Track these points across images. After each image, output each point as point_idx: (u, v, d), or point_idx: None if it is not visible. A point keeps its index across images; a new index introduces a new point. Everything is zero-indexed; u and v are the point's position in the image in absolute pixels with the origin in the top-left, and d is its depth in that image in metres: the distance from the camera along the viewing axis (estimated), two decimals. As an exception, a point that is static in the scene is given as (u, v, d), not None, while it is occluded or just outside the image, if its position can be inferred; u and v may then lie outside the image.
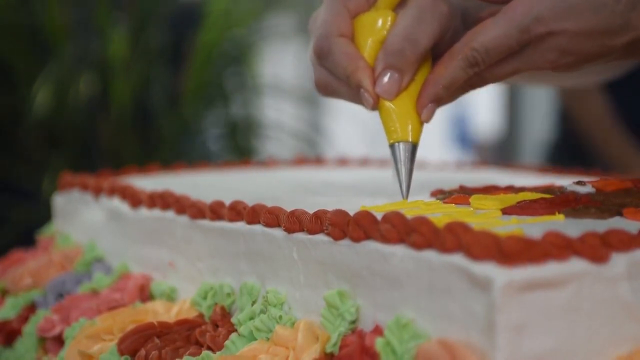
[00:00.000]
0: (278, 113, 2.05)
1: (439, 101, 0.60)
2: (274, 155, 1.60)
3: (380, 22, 0.61)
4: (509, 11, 0.55)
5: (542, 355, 0.40)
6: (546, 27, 0.54)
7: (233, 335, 0.54)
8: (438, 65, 0.59)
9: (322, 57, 0.61)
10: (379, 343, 0.44)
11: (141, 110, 1.82)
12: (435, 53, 0.60)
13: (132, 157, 1.71)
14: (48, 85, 1.72)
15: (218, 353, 0.53)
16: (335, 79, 0.62)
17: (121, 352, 0.57)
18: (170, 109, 1.87)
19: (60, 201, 0.87)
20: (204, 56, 1.83)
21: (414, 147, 0.60)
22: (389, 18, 0.60)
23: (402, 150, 0.60)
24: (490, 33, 0.55)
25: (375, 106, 0.60)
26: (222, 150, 2.02)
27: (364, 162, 1.04)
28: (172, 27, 1.91)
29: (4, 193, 1.67)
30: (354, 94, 0.61)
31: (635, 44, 0.55)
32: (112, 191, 0.75)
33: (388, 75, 0.59)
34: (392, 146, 0.60)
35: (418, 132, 0.60)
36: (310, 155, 1.68)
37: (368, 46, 0.60)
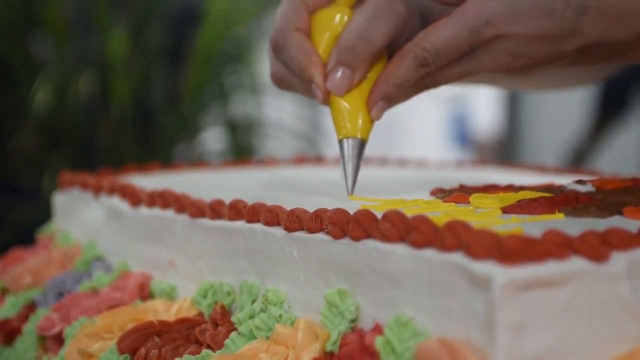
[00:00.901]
0: (278, 112, 2.05)
1: (390, 99, 0.60)
2: (273, 154, 1.60)
3: (337, 18, 0.61)
4: (461, 13, 0.55)
5: (542, 354, 0.40)
6: (496, 29, 0.54)
7: (233, 334, 0.54)
8: (389, 64, 0.59)
9: (277, 50, 0.62)
10: (378, 342, 0.44)
11: (141, 109, 1.82)
12: (392, 53, 0.61)
13: (132, 156, 1.71)
14: (48, 85, 1.72)
15: (218, 352, 0.53)
16: (290, 73, 0.62)
17: (121, 351, 0.57)
18: (170, 108, 1.87)
19: (60, 200, 0.87)
20: (203, 55, 1.83)
21: (362, 144, 0.61)
22: (346, 15, 0.61)
23: (349, 146, 0.61)
24: (441, 34, 0.56)
25: (325, 101, 0.61)
26: (221, 149, 2.02)
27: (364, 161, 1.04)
28: (172, 26, 1.91)
29: (4, 192, 1.67)
30: (307, 88, 0.61)
31: (586, 50, 0.56)
32: (112, 190, 0.75)
33: (340, 71, 0.60)
34: (340, 142, 0.61)
35: (367, 129, 0.61)
36: (310, 154, 1.68)
37: (324, 42, 0.61)
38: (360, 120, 0.61)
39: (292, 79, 0.63)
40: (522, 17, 0.54)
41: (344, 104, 0.61)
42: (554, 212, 0.52)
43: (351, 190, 0.61)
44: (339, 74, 0.60)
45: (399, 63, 0.58)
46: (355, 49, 0.59)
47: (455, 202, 0.58)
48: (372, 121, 0.61)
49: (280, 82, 0.65)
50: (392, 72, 0.59)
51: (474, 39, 0.55)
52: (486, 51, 0.56)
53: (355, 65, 0.60)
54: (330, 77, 0.60)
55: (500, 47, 0.55)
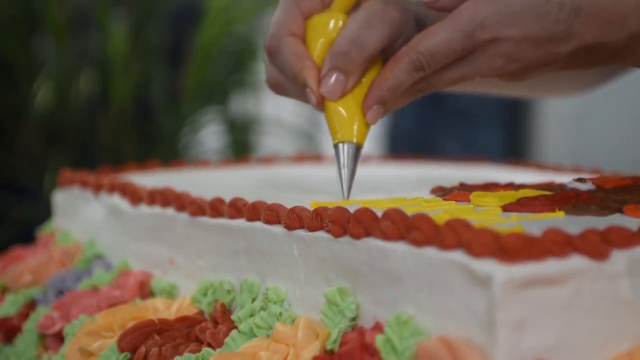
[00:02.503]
0: (278, 110, 2.05)
1: (384, 103, 0.60)
2: (274, 152, 1.60)
3: (332, 24, 0.61)
4: (455, 16, 0.55)
5: (542, 352, 0.40)
6: (491, 33, 0.55)
7: (233, 332, 0.54)
8: (384, 68, 0.59)
9: (272, 55, 0.62)
10: (379, 340, 0.44)
11: (141, 107, 1.82)
12: (387, 59, 0.60)
13: (132, 154, 1.71)
14: (48, 83, 1.72)
15: (218, 350, 0.53)
16: (284, 77, 0.63)
17: (121, 349, 0.57)
18: (170, 106, 1.87)
19: (60, 198, 0.87)
20: (203, 53, 1.83)
21: (357, 148, 0.61)
22: (341, 21, 0.61)
23: (345, 150, 0.61)
24: (435, 37, 0.56)
25: (319, 105, 0.61)
26: (222, 147, 2.02)
27: (363, 159, 1.04)
28: (172, 24, 1.91)
29: (4, 190, 1.67)
30: (302, 92, 0.61)
31: (580, 53, 0.56)
32: (112, 188, 0.75)
33: (333, 76, 0.60)
34: (335, 146, 0.61)
35: (363, 134, 0.61)
36: (310, 151, 1.68)
37: (318, 47, 0.61)
38: (355, 125, 0.61)
39: (287, 83, 0.63)
40: (515, 20, 0.54)
41: (338, 109, 0.61)
42: (554, 211, 0.52)
43: (347, 195, 0.61)
44: (333, 79, 0.60)
45: (394, 67, 0.58)
46: (348, 54, 0.59)
47: (456, 201, 0.58)
48: (367, 126, 0.61)
49: (276, 87, 0.65)
50: (387, 76, 0.59)
51: (468, 42, 0.55)
52: (481, 55, 0.56)
53: (349, 70, 0.60)
54: (323, 82, 0.60)
55: (494, 50, 0.55)
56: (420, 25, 0.61)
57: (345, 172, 0.61)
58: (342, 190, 0.61)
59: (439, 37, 0.56)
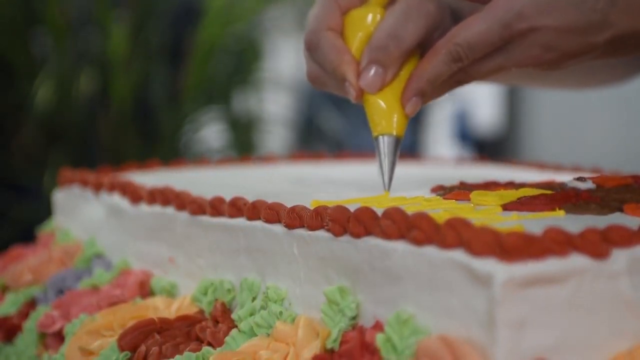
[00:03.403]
0: (279, 108, 2.05)
1: (423, 95, 0.61)
2: (274, 150, 1.60)
3: (369, 18, 0.62)
4: (492, 8, 0.56)
5: (543, 351, 0.40)
6: (528, 22, 0.55)
7: (233, 331, 0.54)
8: (423, 60, 0.60)
9: (311, 50, 0.63)
10: (379, 339, 0.44)
11: (141, 106, 1.82)
12: (424, 52, 0.61)
13: (132, 153, 1.71)
14: (48, 82, 1.72)
15: (218, 349, 0.53)
16: (324, 72, 0.63)
17: (121, 348, 0.57)
18: (171, 105, 1.87)
19: (60, 197, 0.87)
20: (204, 52, 1.83)
21: (397, 140, 0.62)
22: (378, 15, 0.62)
23: (385, 142, 0.62)
24: (473, 29, 0.56)
25: (358, 99, 0.62)
26: (222, 146, 2.02)
27: (363, 156, 1.04)
28: (172, 23, 1.91)
29: (4, 189, 1.67)
30: (341, 86, 0.62)
31: (616, 42, 0.56)
32: (112, 187, 0.75)
33: (372, 69, 0.61)
34: (376, 139, 0.62)
35: (402, 126, 0.62)
36: (311, 150, 1.68)
37: (356, 41, 0.62)
38: (394, 117, 0.61)
39: (326, 78, 0.64)
40: (552, 10, 0.55)
41: (377, 101, 0.62)
42: (554, 210, 0.52)
43: (388, 186, 0.62)
44: (372, 72, 0.61)
45: (432, 58, 0.59)
46: (387, 47, 0.60)
47: (456, 200, 0.58)
48: (406, 118, 0.62)
49: (316, 82, 0.66)
50: (426, 68, 0.59)
51: (505, 32, 0.55)
52: (518, 45, 0.56)
53: (387, 63, 0.60)
54: (363, 76, 0.61)
55: (531, 40, 0.56)
56: (456, 18, 0.62)
57: (386, 164, 0.62)
58: (383, 182, 0.62)
59: (476, 28, 0.56)
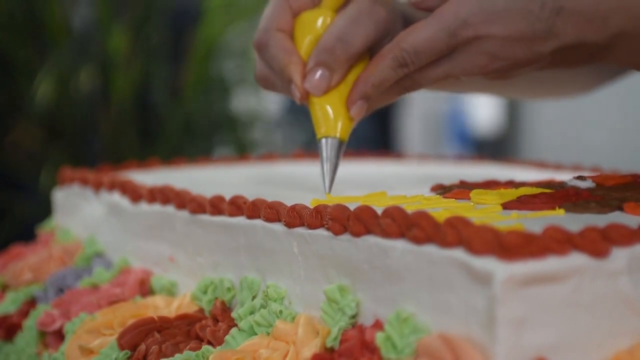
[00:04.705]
0: (280, 107, 2.05)
1: (368, 99, 0.61)
2: (275, 149, 1.60)
3: (320, 21, 0.62)
4: (438, 14, 0.56)
5: (543, 350, 0.40)
6: (474, 31, 0.55)
7: (233, 330, 0.54)
8: (369, 64, 0.60)
9: (260, 49, 0.63)
10: (379, 337, 0.44)
11: (142, 104, 1.82)
12: (374, 57, 0.61)
13: (132, 151, 1.71)
14: (49, 79, 1.72)
15: (218, 348, 0.53)
16: (272, 72, 0.63)
17: (121, 347, 0.57)
18: (171, 103, 1.87)
19: (60, 196, 0.87)
20: (204, 50, 1.83)
21: (340, 143, 0.62)
22: (329, 18, 0.62)
23: (328, 145, 0.62)
24: (419, 34, 0.57)
25: (303, 100, 0.62)
26: (222, 144, 2.02)
27: (363, 155, 1.04)
28: (172, 21, 1.91)
29: (4, 187, 1.67)
30: (288, 87, 0.62)
31: (562, 52, 0.56)
32: (112, 186, 0.75)
33: (318, 72, 0.61)
34: (319, 141, 0.62)
35: (347, 130, 0.62)
36: (312, 149, 1.68)
37: (306, 44, 0.62)
38: (339, 121, 0.61)
39: (274, 78, 0.64)
40: (498, 18, 0.55)
41: (322, 104, 0.62)
42: (554, 208, 0.52)
43: (329, 189, 0.62)
44: (318, 74, 0.61)
45: (378, 63, 0.59)
46: (334, 50, 0.60)
47: (456, 198, 0.58)
48: (351, 122, 0.62)
49: (264, 82, 0.66)
50: (372, 72, 0.59)
51: (451, 39, 0.56)
52: (464, 53, 0.56)
53: (334, 66, 0.60)
54: (308, 78, 0.61)
55: (477, 48, 0.56)
56: (407, 24, 0.62)
57: (327, 167, 0.62)
58: (324, 185, 0.62)
59: (422, 34, 0.56)
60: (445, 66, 0.58)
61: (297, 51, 0.62)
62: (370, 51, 0.61)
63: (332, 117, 0.61)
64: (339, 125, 0.61)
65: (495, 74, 0.58)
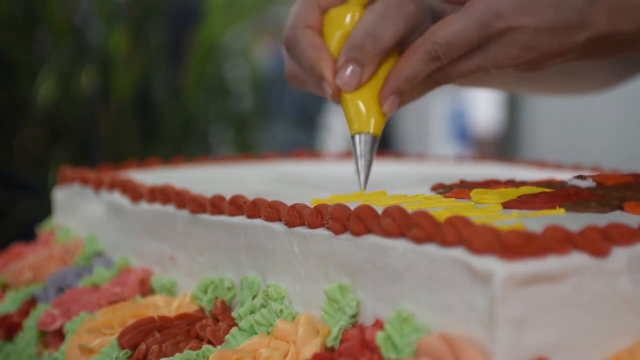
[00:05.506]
0: (281, 105, 2.04)
1: (401, 94, 0.61)
2: (276, 148, 1.60)
3: (348, 17, 0.62)
4: (470, 7, 0.56)
5: (543, 349, 0.40)
6: (506, 22, 0.55)
7: (233, 330, 0.54)
8: (401, 58, 0.60)
9: (289, 47, 0.62)
10: (379, 337, 0.44)
11: (142, 104, 1.82)
12: (403, 52, 0.61)
13: (132, 151, 1.71)
14: (49, 80, 1.72)
15: (218, 347, 0.53)
16: (302, 70, 0.63)
17: (122, 346, 0.57)
18: (171, 103, 1.87)
19: (60, 195, 0.87)
20: (205, 50, 1.83)
21: (374, 139, 0.62)
22: (357, 14, 0.62)
23: (361, 141, 0.61)
24: (451, 28, 0.56)
25: (335, 97, 0.62)
26: (223, 143, 2.02)
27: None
28: (173, 20, 1.91)
29: (5, 187, 1.67)
30: (318, 84, 0.62)
31: (595, 42, 0.56)
32: (113, 185, 0.75)
33: (349, 68, 0.60)
34: (352, 137, 0.62)
35: (379, 125, 0.62)
36: (312, 148, 1.68)
37: (335, 40, 0.62)
38: (371, 117, 0.61)
39: (304, 76, 0.64)
40: (531, 9, 0.55)
41: (354, 100, 0.61)
42: (554, 208, 0.52)
43: (364, 186, 0.61)
44: (348, 70, 0.60)
45: (410, 57, 0.59)
46: (364, 46, 0.60)
47: (456, 198, 0.58)
48: (384, 117, 0.62)
49: (294, 80, 0.66)
50: (403, 67, 0.59)
51: (483, 31, 0.55)
52: (496, 44, 0.56)
53: (364, 62, 0.60)
54: (339, 74, 0.61)
55: (509, 40, 0.56)
56: (436, 19, 0.62)
57: (362, 163, 0.61)
58: (359, 182, 0.61)
59: (454, 27, 0.56)
60: (477, 59, 0.57)
61: (326, 48, 0.61)
62: (399, 46, 0.61)
63: (365, 113, 0.61)
64: (372, 121, 0.61)
65: (527, 66, 0.57)
